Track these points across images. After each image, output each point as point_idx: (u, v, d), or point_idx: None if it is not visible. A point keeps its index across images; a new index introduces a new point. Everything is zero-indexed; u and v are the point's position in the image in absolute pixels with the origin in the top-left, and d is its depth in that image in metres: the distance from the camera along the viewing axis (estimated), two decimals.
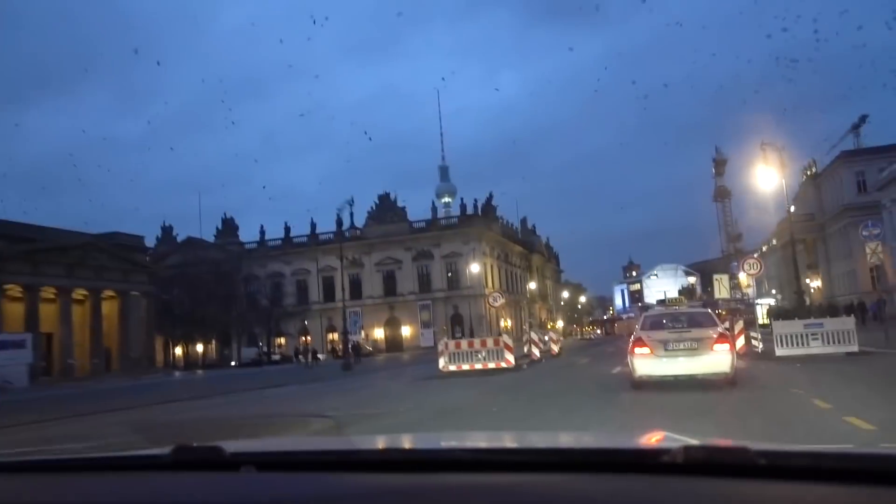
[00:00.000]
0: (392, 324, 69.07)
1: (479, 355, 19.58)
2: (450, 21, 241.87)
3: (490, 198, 76.79)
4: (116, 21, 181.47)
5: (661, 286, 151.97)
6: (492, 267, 71.98)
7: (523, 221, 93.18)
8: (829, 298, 70.81)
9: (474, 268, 66.65)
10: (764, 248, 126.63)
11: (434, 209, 70.38)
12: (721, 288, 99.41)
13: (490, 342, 20.37)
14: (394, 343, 67.69)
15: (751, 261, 25.05)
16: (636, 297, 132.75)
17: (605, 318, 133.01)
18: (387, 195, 71.48)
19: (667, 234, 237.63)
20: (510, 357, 19.47)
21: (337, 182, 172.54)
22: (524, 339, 27.47)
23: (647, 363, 10.85)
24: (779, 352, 17.15)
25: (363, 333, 69.16)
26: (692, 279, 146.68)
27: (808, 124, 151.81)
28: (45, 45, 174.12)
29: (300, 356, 51.21)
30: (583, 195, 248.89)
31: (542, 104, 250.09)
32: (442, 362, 19.62)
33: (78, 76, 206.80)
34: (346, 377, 24.69)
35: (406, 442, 2.07)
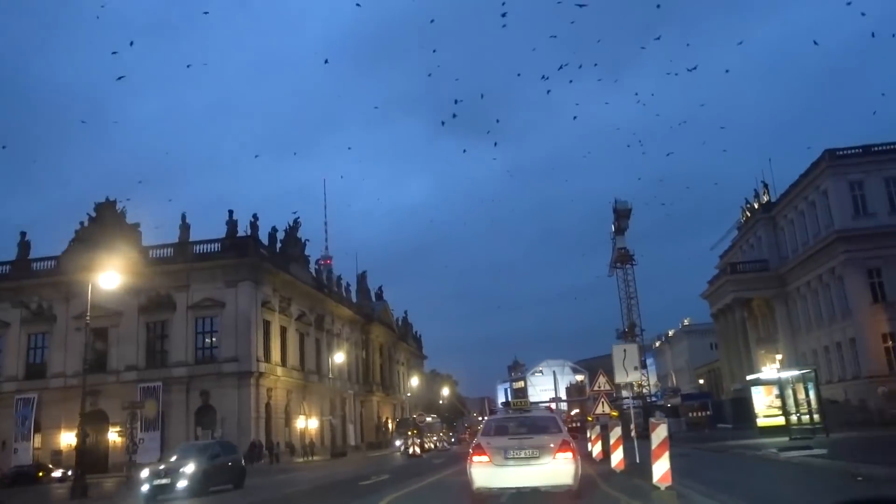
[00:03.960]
0: (94, 422, 39.37)
1: None
2: (363, 127, 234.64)
3: (295, 225, 49.85)
4: None
5: (548, 384, 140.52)
6: (282, 330, 44.28)
7: (362, 278, 65.81)
8: None
9: (242, 326, 39.19)
10: (671, 333, 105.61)
11: (186, 226, 41.93)
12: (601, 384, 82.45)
13: None
14: (91, 456, 38.06)
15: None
16: (521, 396, 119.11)
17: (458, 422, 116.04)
18: (111, 203, 42.76)
19: (558, 334, 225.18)
20: None
21: None
22: None
23: (485, 472, 9.54)
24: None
25: (33, 439, 39.31)
26: (580, 377, 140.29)
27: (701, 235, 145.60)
28: None
29: None
30: (478, 299, 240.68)
31: (447, 210, 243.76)
32: None
33: None
34: None
35: None
